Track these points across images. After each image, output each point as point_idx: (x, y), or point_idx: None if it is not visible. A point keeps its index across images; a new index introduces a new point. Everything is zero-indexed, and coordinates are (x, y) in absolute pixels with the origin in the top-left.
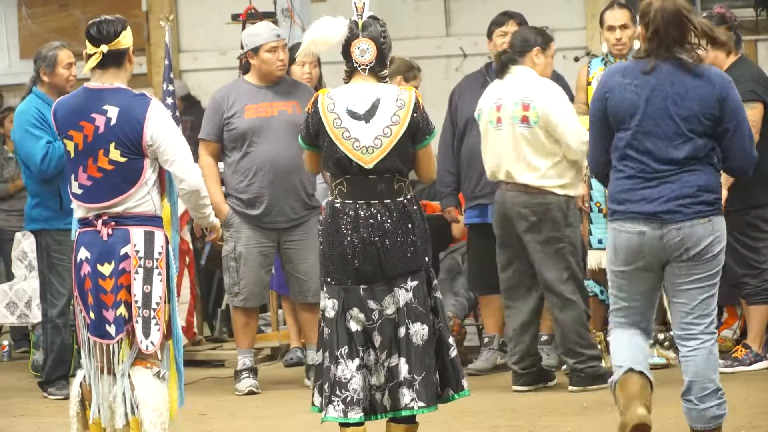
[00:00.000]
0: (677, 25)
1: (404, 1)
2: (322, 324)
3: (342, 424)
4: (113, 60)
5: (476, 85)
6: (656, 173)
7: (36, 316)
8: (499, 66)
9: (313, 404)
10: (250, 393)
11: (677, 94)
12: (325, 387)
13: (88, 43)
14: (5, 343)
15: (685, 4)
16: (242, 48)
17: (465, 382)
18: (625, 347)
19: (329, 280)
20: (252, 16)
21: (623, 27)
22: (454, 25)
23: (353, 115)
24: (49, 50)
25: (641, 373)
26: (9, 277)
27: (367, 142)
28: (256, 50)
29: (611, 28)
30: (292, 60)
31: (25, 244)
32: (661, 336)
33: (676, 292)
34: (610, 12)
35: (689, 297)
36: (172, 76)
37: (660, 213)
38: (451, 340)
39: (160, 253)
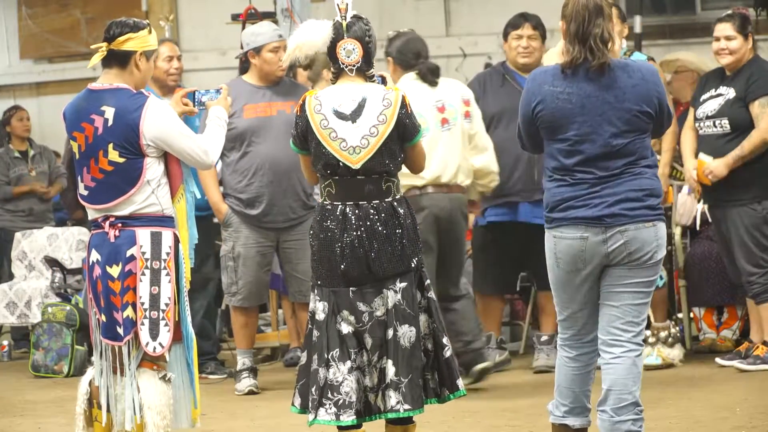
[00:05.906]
0: (599, 20)
1: (404, 1)
2: (311, 326)
3: (339, 428)
4: (116, 60)
5: (497, 84)
6: (599, 179)
7: (36, 316)
8: (434, 74)
9: (292, 404)
10: (250, 393)
11: (614, 97)
12: (313, 390)
13: None
14: (5, 343)
15: None
16: (242, 47)
17: (460, 382)
18: (569, 384)
19: (319, 282)
20: (252, 16)
21: None
22: (454, 25)
23: (340, 115)
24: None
25: (577, 430)
26: (9, 276)
27: (354, 142)
28: (258, 50)
29: None
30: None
31: (24, 243)
32: (663, 334)
33: (609, 294)
34: None
35: (622, 300)
36: None
37: (604, 217)
38: (445, 340)
39: (167, 254)
